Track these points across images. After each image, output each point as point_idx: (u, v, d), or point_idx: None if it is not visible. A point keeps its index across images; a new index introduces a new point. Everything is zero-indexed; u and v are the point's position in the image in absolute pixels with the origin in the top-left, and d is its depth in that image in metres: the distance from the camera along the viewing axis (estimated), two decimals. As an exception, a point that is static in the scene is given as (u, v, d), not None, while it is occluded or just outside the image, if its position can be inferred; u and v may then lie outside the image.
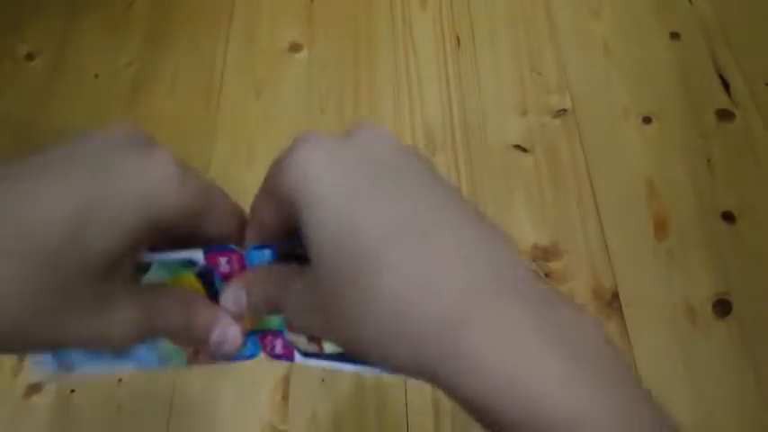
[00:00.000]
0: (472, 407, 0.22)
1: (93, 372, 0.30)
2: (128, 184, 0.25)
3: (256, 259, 0.30)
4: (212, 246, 0.30)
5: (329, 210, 0.24)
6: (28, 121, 1.04)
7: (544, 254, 0.87)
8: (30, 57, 1.12)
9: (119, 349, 0.28)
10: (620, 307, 0.83)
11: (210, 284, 0.30)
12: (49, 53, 1.12)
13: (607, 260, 0.87)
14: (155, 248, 0.29)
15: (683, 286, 0.84)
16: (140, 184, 0.25)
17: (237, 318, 0.30)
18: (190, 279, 0.30)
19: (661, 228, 0.89)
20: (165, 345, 0.31)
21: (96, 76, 1.09)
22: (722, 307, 0.82)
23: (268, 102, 1.04)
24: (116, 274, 0.26)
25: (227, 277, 0.30)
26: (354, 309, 0.23)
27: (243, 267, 0.30)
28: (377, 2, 1.14)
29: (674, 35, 1.07)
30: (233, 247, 0.30)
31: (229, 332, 0.30)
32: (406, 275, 0.22)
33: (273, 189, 0.26)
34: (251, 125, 1.02)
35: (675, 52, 1.05)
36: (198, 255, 0.29)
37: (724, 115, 0.98)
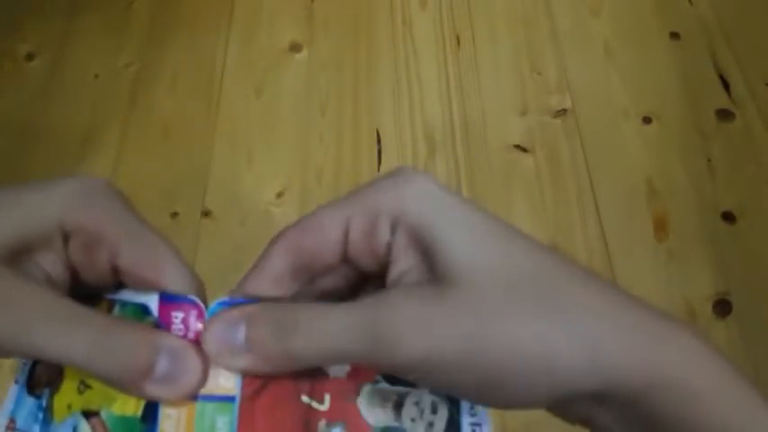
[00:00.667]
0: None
1: None
2: (35, 191, 0.24)
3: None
4: (166, 294, 0.24)
5: (472, 219, 0.23)
6: (28, 121, 1.04)
7: (544, 254, 0.87)
8: (30, 57, 1.12)
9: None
10: (620, 307, 0.83)
11: None
12: (49, 53, 1.12)
13: (607, 260, 0.87)
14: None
15: (683, 286, 0.84)
16: (46, 191, 0.24)
17: (220, 363, 0.23)
18: None
19: (661, 228, 0.89)
20: None
21: (96, 76, 1.09)
22: (722, 307, 0.82)
23: (268, 102, 1.04)
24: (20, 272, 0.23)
25: None
26: (548, 335, 0.22)
27: (198, 332, 0.24)
28: (377, 2, 1.14)
29: (674, 35, 1.07)
30: (191, 298, 0.24)
31: (181, 355, 0.23)
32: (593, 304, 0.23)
33: (379, 206, 0.24)
34: (251, 125, 1.02)
35: (675, 52, 1.05)
36: (153, 301, 0.24)
37: (724, 115, 0.98)
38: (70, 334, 0.22)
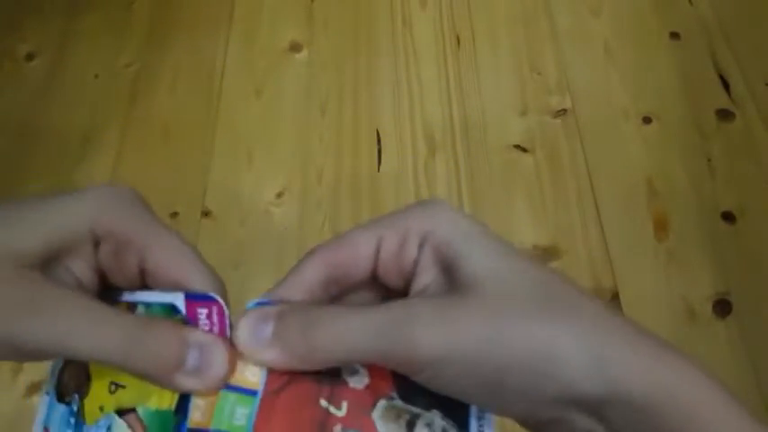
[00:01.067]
0: None
1: None
2: (65, 199, 0.26)
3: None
4: (191, 293, 0.26)
5: (491, 240, 0.26)
6: (28, 121, 1.04)
7: (544, 254, 0.87)
8: (30, 57, 1.12)
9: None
10: (621, 307, 0.83)
11: None
12: (49, 53, 1.12)
13: (607, 260, 0.87)
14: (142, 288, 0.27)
15: (683, 286, 0.84)
16: (76, 199, 0.26)
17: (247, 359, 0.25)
18: None
19: (661, 228, 0.89)
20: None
21: (96, 76, 1.09)
22: (722, 307, 0.82)
23: (268, 102, 1.04)
24: (49, 277, 0.25)
25: None
26: (558, 338, 0.23)
27: (223, 326, 0.26)
28: (377, 2, 1.14)
29: (674, 35, 1.07)
30: (213, 296, 0.26)
31: (209, 348, 0.25)
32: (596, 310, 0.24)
33: (410, 226, 0.26)
34: (251, 125, 1.02)
35: (675, 52, 1.05)
36: (179, 299, 0.26)
37: (724, 115, 0.98)
38: (105, 333, 0.24)
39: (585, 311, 0.24)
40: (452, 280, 0.25)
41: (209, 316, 0.26)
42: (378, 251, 0.26)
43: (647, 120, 0.98)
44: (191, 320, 0.26)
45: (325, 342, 0.24)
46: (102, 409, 0.27)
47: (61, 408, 0.27)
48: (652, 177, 0.93)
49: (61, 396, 0.27)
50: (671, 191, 0.92)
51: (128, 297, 0.27)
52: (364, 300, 0.28)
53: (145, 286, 0.27)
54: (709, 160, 0.94)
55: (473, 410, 0.26)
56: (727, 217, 0.89)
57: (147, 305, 0.27)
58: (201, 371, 0.25)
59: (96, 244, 0.26)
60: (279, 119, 1.02)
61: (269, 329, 0.25)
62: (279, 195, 0.95)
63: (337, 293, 0.27)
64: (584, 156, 0.96)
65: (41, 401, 0.27)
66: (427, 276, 0.26)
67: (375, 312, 0.24)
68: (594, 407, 0.23)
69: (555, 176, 0.94)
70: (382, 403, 0.26)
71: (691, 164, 0.94)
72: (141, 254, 0.26)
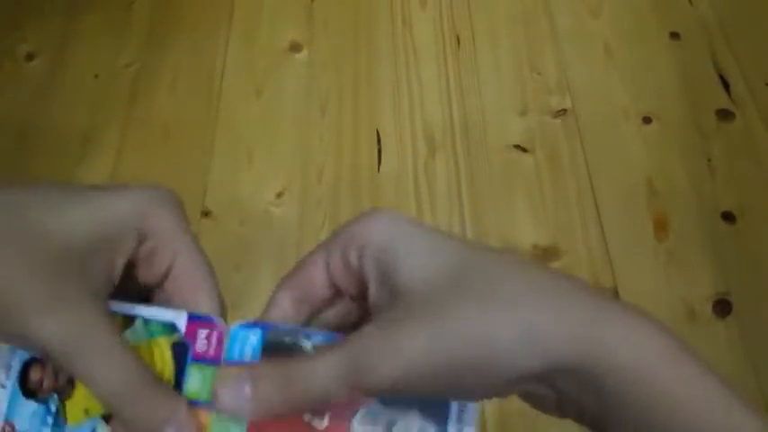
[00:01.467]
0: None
1: None
2: (119, 192, 0.28)
3: (239, 341, 0.27)
4: (194, 314, 0.28)
5: (421, 239, 0.26)
6: (28, 121, 1.04)
7: (544, 254, 0.87)
8: (30, 57, 1.12)
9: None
10: (620, 307, 0.83)
11: (181, 365, 0.27)
12: (48, 53, 1.12)
13: (607, 260, 0.87)
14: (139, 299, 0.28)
15: (683, 286, 0.84)
16: (130, 194, 0.28)
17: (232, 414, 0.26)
18: (163, 349, 0.28)
19: (661, 228, 0.89)
20: None
21: (96, 76, 1.09)
22: (722, 307, 0.82)
23: (268, 102, 1.04)
24: (79, 277, 0.26)
25: (199, 359, 0.27)
26: (490, 323, 0.24)
27: (219, 350, 0.27)
28: (377, 2, 1.14)
29: (674, 35, 1.07)
30: (215, 319, 0.28)
31: (184, 431, 0.26)
32: (537, 294, 0.25)
33: (349, 240, 0.27)
34: (251, 125, 1.02)
35: (675, 52, 1.05)
36: (182, 318, 0.27)
37: (724, 115, 0.98)
38: (106, 372, 0.25)
39: (515, 292, 0.25)
40: (392, 288, 0.26)
41: (208, 337, 0.27)
42: (328, 270, 0.28)
43: (647, 120, 0.98)
44: (188, 340, 0.27)
45: (300, 394, 0.25)
46: (87, 412, 0.27)
47: (31, 405, 0.28)
48: (652, 177, 0.93)
49: (29, 393, 0.28)
50: (671, 191, 0.92)
51: (128, 310, 0.28)
52: (342, 311, 0.30)
53: (147, 298, 0.29)
54: (709, 160, 0.94)
55: (452, 403, 0.27)
56: (727, 217, 0.89)
57: (146, 321, 0.28)
58: None
59: (141, 240, 0.28)
60: (279, 119, 1.02)
61: (246, 391, 0.25)
62: (279, 195, 0.95)
63: (312, 311, 0.29)
64: (585, 156, 0.96)
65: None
66: (373, 287, 0.27)
67: (337, 352, 0.25)
68: (542, 379, 0.24)
69: (555, 176, 0.94)
70: (362, 411, 0.27)
71: (691, 164, 0.94)
72: (173, 257, 0.28)
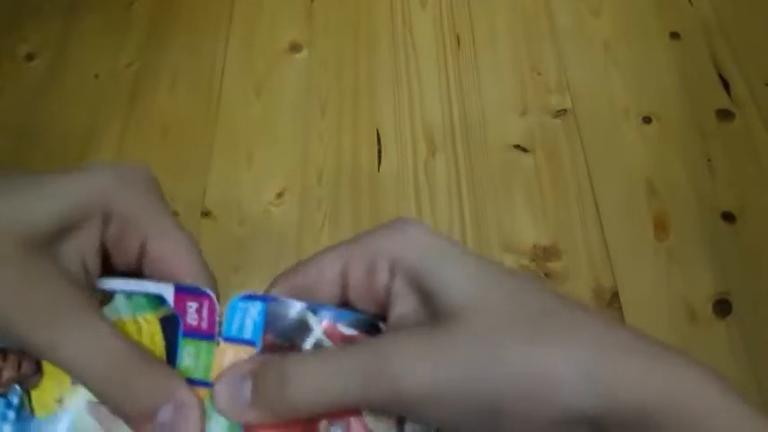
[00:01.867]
0: None
1: None
2: (80, 173, 0.26)
3: (239, 314, 0.25)
4: (182, 285, 0.26)
5: (467, 261, 0.25)
6: (28, 121, 1.04)
7: (544, 254, 0.87)
8: (30, 57, 1.12)
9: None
10: (620, 307, 0.83)
11: (172, 340, 0.25)
12: (48, 53, 1.12)
13: (607, 260, 0.87)
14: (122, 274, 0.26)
15: (682, 286, 0.84)
16: (91, 174, 0.26)
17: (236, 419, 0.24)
18: (151, 324, 0.25)
19: (661, 228, 0.89)
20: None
21: (96, 76, 1.09)
22: (722, 307, 0.82)
23: (268, 102, 1.04)
24: (46, 256, 0.24)
25: (191, 333, 0.25)
26: (545, 355, 0.22)
27: (212, 322, 0.25)
28: (377, 2, 1.14)
29: (674, 35, 1.07)
30: (205, 290, 0.26)
31: (185, 410, 0.24)
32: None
33: (378, 250, 0.26)
34: (251, 125, 1.02)
35: (675, 52, 1.05)
36: (168, 290, 0.25)
37: (724, 115, 0.98)
38: (90, 355, 0.23)
39: (575, 326, 0.23)
40: (432, 308, 0.24)
41: (198, 310, 0.25)
42: (345, 276, 0.26)
43: (647, 120, 0.98)
44: (179, 313, 0.25)
45: (305, 396, 0.23)
46: (60, 401, 0.25)
47: None
48: (652, 177, 0.93)
49: None
50: (671, 191, 0.92)
51: (109, 285, 0.26)
52: None
53: (138, 272, 0.27)
54: (709, 160, 0.94)
55: None
56: (727, 217, 0.89)
57: (128, 295, 0.26)
58: (171, 428, 0.24)
59: (105, 222, 0.26)
60: (279, 119, 1.02)
61: (246, 393, 0.24)
62: (279, 195, 0.95)
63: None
64: (585, 156, 0.96)
65: None
66: (404, 305, 0.25)
67: (353, 353, 0.23)
68: (593, 423, 0.22)
69: (555, 176, 0.94)
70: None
71: (691, 164, 0.94)
72: (143, 238, 0.26)
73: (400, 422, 0.25)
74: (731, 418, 0.22)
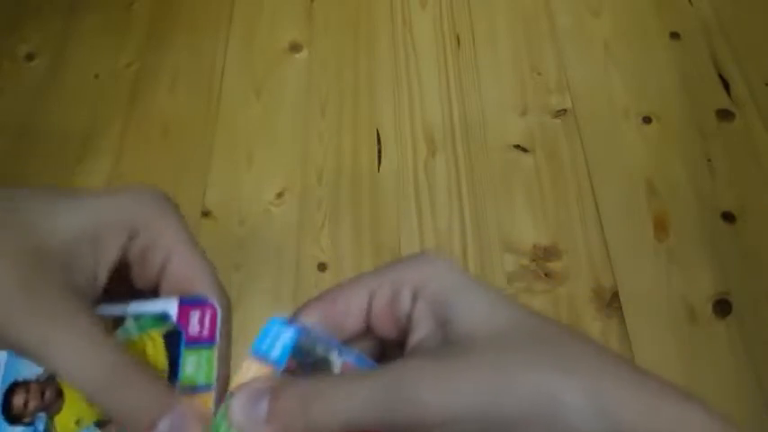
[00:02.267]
0: None
1: None
2: (110, 192, 0.28)
3: (271, 335, 0.25)
4: (185, 297, 0.27)
5: (483, 292, 0.26)
6: (28, 121, 1.04)
7: (544, 254, 0.87)
8: (30, 57, 1.12)
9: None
10: (620, 307, 0.83)
11: (174, 353, 0.26)
12: (48, 53, 1.12)
13: (607, 260, 0.87)
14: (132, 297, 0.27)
15: (683, 286, 0.84)
16: (120, 193, 0.28)
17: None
18: (155, 341, 0.26)
19: (661, 228, 0.89)
20: None
21: (96, 76, 1.09)
22: (722, 307, 0.82)
23: (268, 102, 1.04)
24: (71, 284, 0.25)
25: (193, 342, 0.26)
26: (557, 383, 0.23)
27: (213, 329, 0.26)
28: (377, 2, 1.14)
29: (674, 35, 1.07)
30: (208, 299, 0.26)
31: (184, 423, 0.24)
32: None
33: (403, 279, 0.27)
34: (251, 125, 1.02)
35: (675, 52, 1.05)
36: (173, 306, 0.26)
37: (724, 115, 0.98)
38: (88, 365, 0.24)
39: (584, 356, 0.24)
40: (448, 334, 0.25)
41: (200, 319, 0.26)
42: (370, 303, 0.27)
43: (647, 120, 0.98)
44: (181, 325, 0.26)
45: (324, 417, 0.23)
46: (78, 423, 0.27)
47: (18, 430, 0.27)
48: (652, 177, 0.93)
49: (14, 419, 0.27)
50: (671, 191, 0.92)
51: (118, 310, 0.27)
52: (360, 349, 0.28)
53: (156, 287, 0.28)
54: (709, 160, 0.94)
55: None
56: (727, 217, 0.89)
57: (138, 318, 0.27)
58: None
59: (132, 238, 0.27)
60: (279, 119, 1.02)
61: (263, 408, 0.23)
62: (279, 195, 0.95)
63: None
64: (584, 156, 0.96)
65: None
66: (423, 330, 0.26)
67: (375, 377, 0.23)
68: None
69: (555, 176, 0.94)
70: None
71: (691, 164, 0.94)
72: (167, 256, 0.27)
73: None
74: None
